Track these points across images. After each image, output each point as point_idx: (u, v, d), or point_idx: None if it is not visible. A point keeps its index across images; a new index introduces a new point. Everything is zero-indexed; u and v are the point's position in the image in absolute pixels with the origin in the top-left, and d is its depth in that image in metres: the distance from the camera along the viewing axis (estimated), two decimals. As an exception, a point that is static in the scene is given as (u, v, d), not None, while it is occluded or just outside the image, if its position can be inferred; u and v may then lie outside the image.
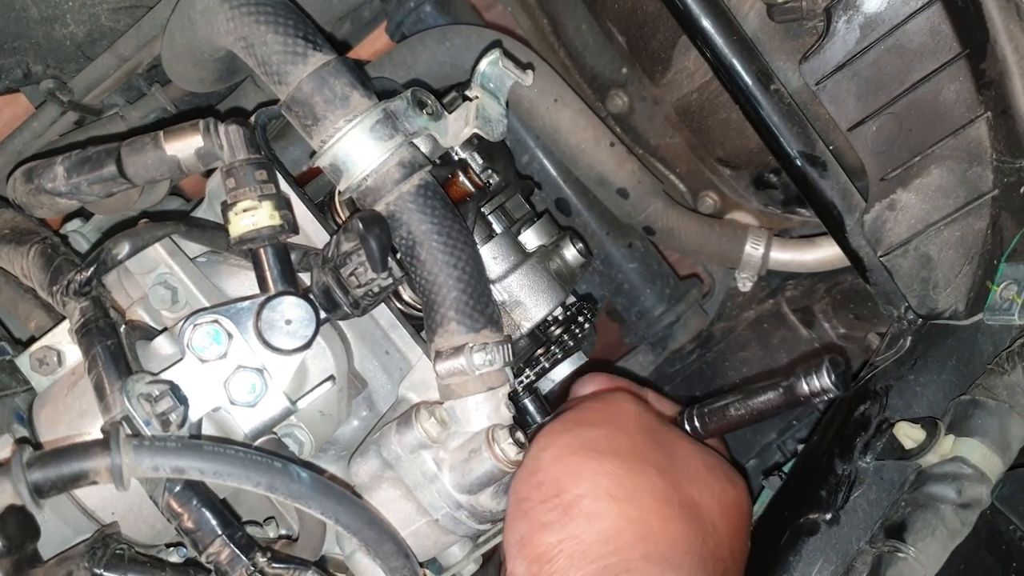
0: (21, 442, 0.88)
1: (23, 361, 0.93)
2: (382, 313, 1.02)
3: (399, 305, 1.06)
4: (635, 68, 1.42)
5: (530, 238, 1.18)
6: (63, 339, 0.93)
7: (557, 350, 1.13)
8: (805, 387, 0.86)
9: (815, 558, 0.92)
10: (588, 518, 0.84)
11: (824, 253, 1.37)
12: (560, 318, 1.18)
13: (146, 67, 1.18)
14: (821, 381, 0.85)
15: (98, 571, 0.81)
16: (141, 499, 0.88)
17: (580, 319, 1.16)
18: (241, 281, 0.99)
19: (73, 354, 0.93)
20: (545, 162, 1.47)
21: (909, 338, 1.07)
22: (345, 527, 0.78)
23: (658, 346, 1.56)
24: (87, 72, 1.16)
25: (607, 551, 0.82)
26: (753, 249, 1.40)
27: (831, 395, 0.85)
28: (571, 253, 1.15)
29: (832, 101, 1.04)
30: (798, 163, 1.07)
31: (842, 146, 1.08)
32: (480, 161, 1.13)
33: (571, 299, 1.21)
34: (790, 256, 1.40)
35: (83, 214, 1.17)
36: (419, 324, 1.06)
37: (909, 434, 0.93)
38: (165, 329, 0.96)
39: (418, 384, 1.00)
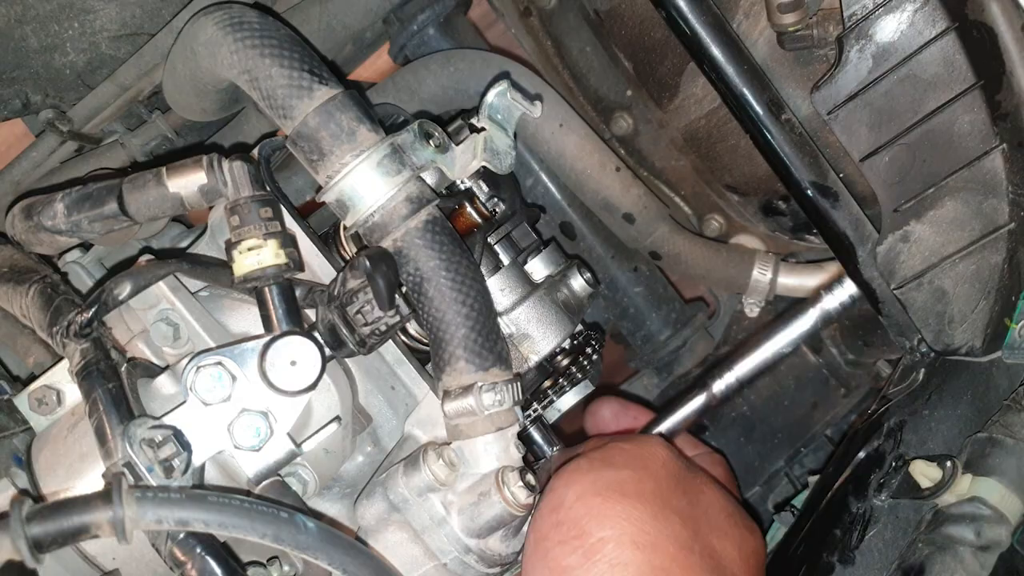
0: (21, 493, 0.86)
1: (22, 401, 0.91)
2: (388, 348, 1.00)
3: (404, 339, 1.04)
4: (641, 91, 1.41)
5: (537, 267, 1.16)
6: (63, 378, 0.91)
7: (565, 382, 1.12)
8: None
9: (830, 601, 0.91)
10: (611, 565, 0.82)
11: (832, 279, 1.36)
12: (567, 348, 1.16)
13: (147, 95, 1.16)
14: None
15: (100, 620, 0.79)
16: (143, 545, 0.86)
17: (588, 350, 1.14)
18: (244, 316, 0.98)
19: (73, 394, 0.91)
20: (550, 186, 1.45)
21: (922, 371, 1.05)
22: (352, 577, 0.76)
23: (664, 371, 1.55)
24: (87, 101, 1.14)
25: None
26: (760, 274, 1.39)
27: None
28: (579, 283, 1.13)
29: (844, 131, 1.03)
30: (809, 193, 1.05)
31: (853, 175, 1.07)
32: (486, 189, 1.11)
33: (577, 327, 1.19)
34: (798, 281, 1.39)
35: (83, 245, 1.15)
36: (425, 358, 1.05)
37: (925, 473, 0.91)
38: (167, 367, 0.94)
39: (424, 420, 0.98)
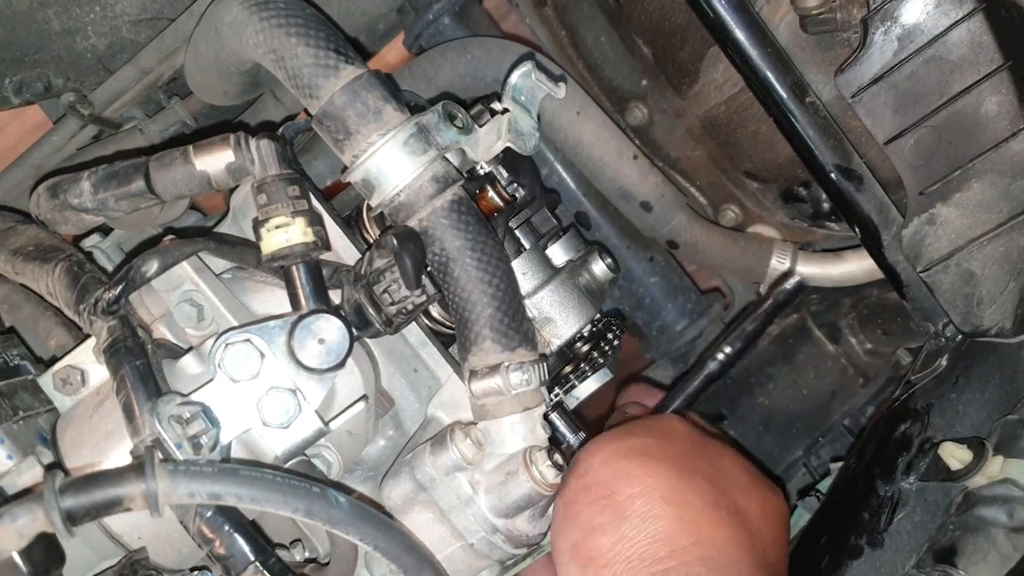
0: (51, 467, 0.85)
1: (46, 381, 0.91)
2: (411, 330, 1.00)
3: (427, 322, 1.03)
4: (657, 80, 1.40)
5: (557, 253, 1.15)
6: (86, 358, 0.91)
7: (587, 367, 1.11)
8: None
9: (860, 583, 0.90)
10: (642, 519, 0.83)
11: (851, 267, 1.35)
12: (586, 335, 1.16)
13: (166, 80, 1.16)
14: None
15: (127, 599, 0.78)
16: (168, 523, 0.85)
17: (609, 335, 1.14)
18: (267, 298, 0.97)
19: (97, 374, 0.91)
20: (564, 175, 1.45)
21: (946, 356, 1.05)
22: (384, 553, 0.76)
23: (679, 361, 1.54)
24: (107, 85, 1.14)
25: (664, 553, 0.81)
26: (779, 263, 1.38)
27: None
28: (600, 268, 1.13)
29: (869, 114, 1.02)
30: (833, 177, 1.05)
31: (876, 159, 1.06)
32: (506, 175, 1.11)
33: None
34: (816, 270, 1.38)
35: (102, 229, 1.14)
36: (448, 341, 1.04)
37: (955, 455, 0.90)
38: (191, 348, 0.93)
39: (448, 403, 0.98)
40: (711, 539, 0.82)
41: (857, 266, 1.35)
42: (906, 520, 0.92)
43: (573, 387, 1.11)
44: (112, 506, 0.68)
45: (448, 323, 1.05)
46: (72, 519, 0.67)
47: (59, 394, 0.91)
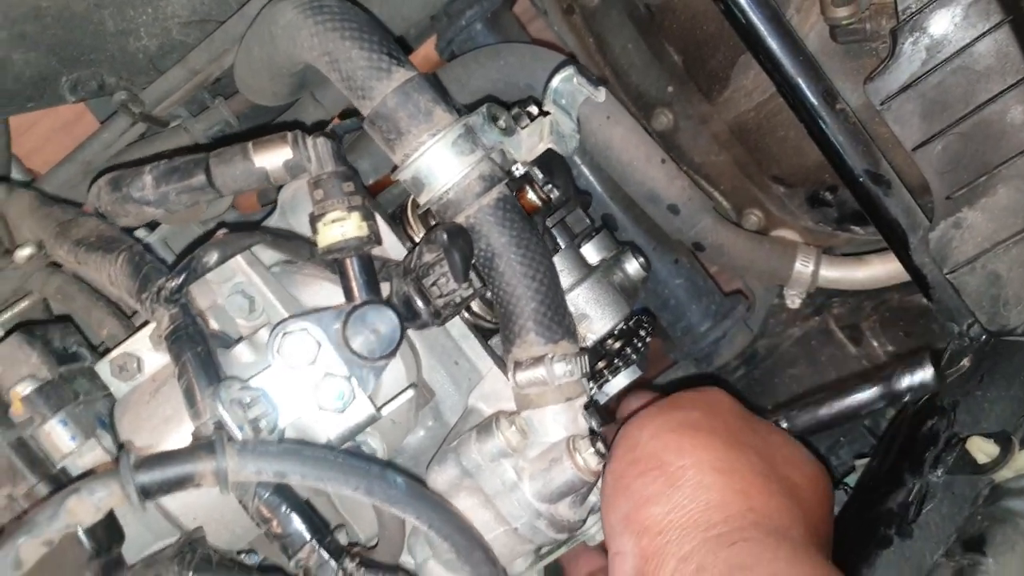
0: (122, 447, 0.88)
1: (103, 367, 0.94)
2: (453, 323, 1.03)
3: (468, 316, 1.07)
4: (684, 87, 1.44)
5: (590, 252, 1.19)
6: (142, 346, 0.94)
7: (620, 363, 1.14)
8: (905, 382, 0.87)
9: (889, 572, 0.93)
10: (694, 489, 0.84)
11: (874, 271, 1.38)
12: (617, 333, 1.19)
13: (212, 80, 1.19)
14: (923, 374, 0.86)
15: (187, 575, 0.81)
16: (223, 505, 0.89)
17: (641, 332, 1.17)
18: (316, 291, 1.00)
19: (152, 362, 0.94)
20: (591, 179, 1.48)
21: (970, 356, 1.08)
22: (438, 532, 0.79)
23: (703, 362, 1.57)
24: (157, 84, 1.17)
25: (718, 519, 0.82)
26: (803, 266, 1.41)
27: (928, 389, 0.86)
28: (633, 267, 1.16)
29: (897, 121, 1.06)
30: (862, 181, 1.08)
31: (902, 165, 1.10)
32: (540, 176, 1.14)
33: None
34: (840, 273, 1.41)
35: (148, 224, 1.18)
36: (487, 335, 1.08)
37: (983, 448, 0.93)
38: (241, 338, 0.96)
39: (489, 395, 1.01)
40: (763, 507, 0.83)
41: (880, 269, 1.38)
42: (934, 512, 0.95)
43: (606, 382, 1.14)
44: (184, 482, 0.71)
45: (488, 318, 1.08)
46: (146, 494, 0.70)
47: (116, 380, 0.94)
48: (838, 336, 1.48)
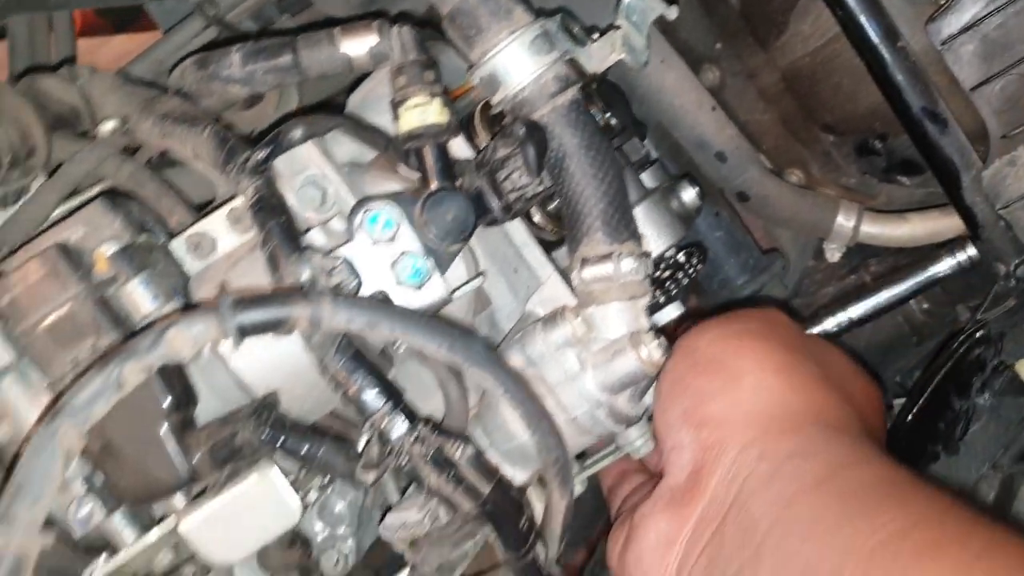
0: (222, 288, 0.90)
1: (178, 244, 0.96)
2: (515, 230, 1.05)
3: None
4: (734, 42, 1.46)
5: (646, 180, 1.21)
6: (217, 227, 0.96)
7: (672, 286, 1.17)
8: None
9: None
10: (754, 387, 0.86)
11: (914, 228, 1.41)
12: (667, 260, 1.21)
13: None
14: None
15: (263, 433, 0.84)
16: (296, 374, 0.91)
17: (694, 260, 1.19)
18: (384, 187, 1.03)
19: (226, 242, 0.96)
20: (639, 126, 1.50)
21: (1018, 293, 1.10)
22: (511, 396, 0.81)
23: (737, 316, 1.59)
24: (231, -11, 1.20)
25: (778, 413, 0.84)
26: (845, 220, 1.44)
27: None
28: (689, 195, 1.19)
29: (956, 61, 1.08)
30: (919, 119, 1.11)
31: (956, 111, 1.12)
32: (600, 104, 1.17)
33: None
34: (881, 230, 1.44)
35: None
36: (547, 248, 1.10)
37: (1032, 370, 0.96)
38: (309, 228, 0.99)
39: (547, 300, 1.03)
40: (822, 405, 0.86)
41: (920, 228, 1.41)
42: (981, 432, 0.98)
43: (659, 305, 1.17)
44: (278, 325, 0.74)
45: (549, 229, 1.10)
46: (242, 332, 0.73)
47: (190, 258, 0.96)
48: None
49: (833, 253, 1.47)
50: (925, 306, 1.47)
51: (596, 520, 1.63)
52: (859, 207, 1.44)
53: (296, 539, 1.14)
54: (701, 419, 0.87)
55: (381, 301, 0.79)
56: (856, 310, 1.08)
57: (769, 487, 0.80)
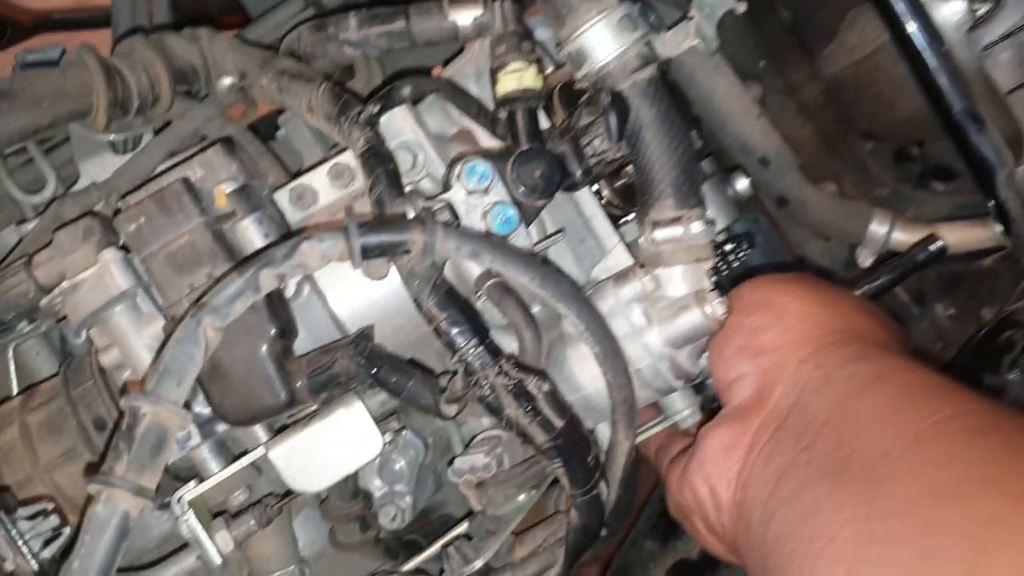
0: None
1: (281, 195, 1.05)
2: (585, 201, 1.13)
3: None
4: (779, 59, 1.56)
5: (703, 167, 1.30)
6: (319, 180, 1.04)
7: (724, 267, 1.25)
8: None
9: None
10: (801, 315, 0.94)
11: (945, 238, 1.49)
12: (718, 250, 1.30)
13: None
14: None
15: (361, 360, 0.91)
16: (389, 313, 1.00)
17: (743, 245, 1.28)
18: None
19: (326, 195, 1.04)
20: (687, 131, 1.59)
21: (1044, 288, 1.19)
22: (591, 333, 0.89)
23: (770, 318, 1.67)
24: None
25: (827, 332, 0.92)
26: (879, 227, 1.53)
27: None
28: (742, 184, 1.28)
29: (994, 66, 1.18)
30: (959, 118, 1.20)
31: (992, 115, 1.22)
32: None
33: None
34: (911, 237, 1.52)
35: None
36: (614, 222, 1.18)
37: (1060, 347, 1.04)
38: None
39: (612, 268, 1.11)
40: (866, 328, 0.94)
41: (949, 237, 1.49)
42: (1010, 406, 1.05)
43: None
44: (396, 247, 0.82)
45: (618, 204, 1.18)
46: (365, 252, 0.81)
47: (292, 208, 1.04)
48: (902, 297, 1.59)
49: (865, 259, 1.55)
50: (951, 312, 1.55)
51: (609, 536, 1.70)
52: (892, 215, 1.53)
53: (358, 492, 1.21)
54: (757, 349, 0.95)
55: (483, 234, 0.87)
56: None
57: (825, 390, 0.87)
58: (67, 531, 1.03)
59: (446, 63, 1.14)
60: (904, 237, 1.53)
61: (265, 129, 1.29)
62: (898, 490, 0.73)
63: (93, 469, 0.98)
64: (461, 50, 1.20)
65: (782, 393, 0.91)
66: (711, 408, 1.15)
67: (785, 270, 1.14)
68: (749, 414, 0.93)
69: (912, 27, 1.20)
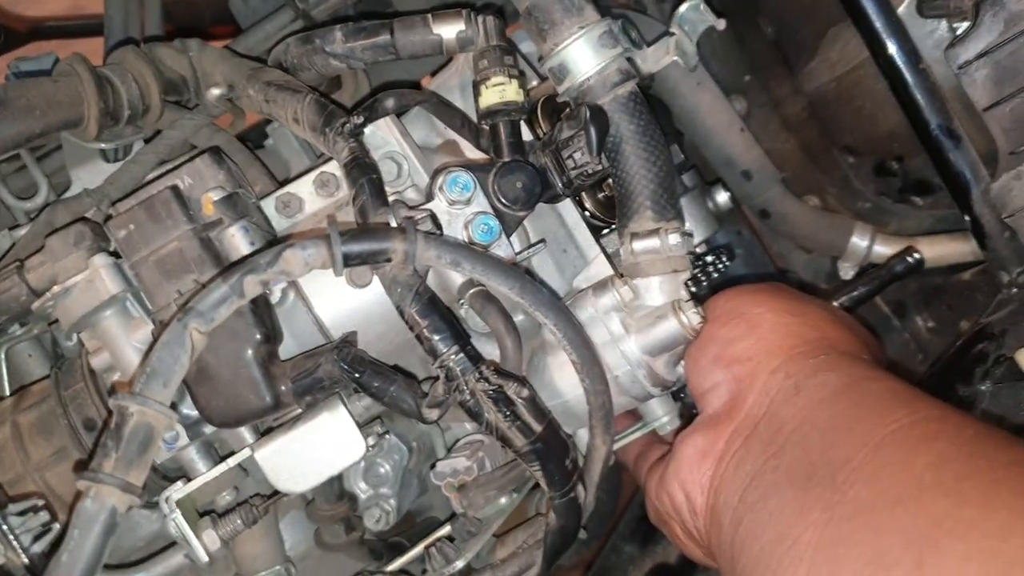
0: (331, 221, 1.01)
1: (268, 203, 1.07)
2: (568, 212, 1.15)
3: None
4: (763, 74, 1.59)
5: (684, 181, 1.32)
6: (304, 189, 1.07)
7: (703, 279, 1.27)
8: None
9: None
10: (772, 325, 0.97)
11: (925, 252, 1.52)
12: (698, 261, 1.32)
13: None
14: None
15: (344, 365, 0.94)
16: (372, 320, 1.02)
17: (723, 257, 1.30)
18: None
19: (312, 204, 1.06)
20: (670, 145, 1.62)
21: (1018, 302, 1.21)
22: (568, 340, 0.91)
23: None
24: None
25: (799, 343, 0.94)
26: (860, 240, 1.55)
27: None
28: (723, 198, 1.30)
29: (971, 84, 1.20)
30: (936, 134, 1.22)
31: (968, 131, 1.24)
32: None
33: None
34: (892, 250, 1.55)
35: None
36: (596, 233, 1.20)
37: (1028, 358, 1.06)
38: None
39: (593, 278, 1.13)
40: (836, 337, 0.96)
41: (928, 251, 1.52)
42: (981, 417, 1.07)
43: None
44: (379, 255, 0.84)
45: (599, 214, 1.21)
46: (347, 260, 0.83)
47: (279, 216, 1.06)
48: (883, 309, 1.61)
49: (847, 271, 1.58)
50: (931, 324, 1.58)
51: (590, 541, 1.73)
52: (873, 228, 1.56)
53: (343, 494, 1.24)
54: (731, 359, 0.97)
55: (466, 244, 0.89)
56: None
57: (795, 399, 0.90)
58: (56, 527, 1.05)
59: (433, 75, 1.17)
60: (885, 250, 1.56)
61: (253, 138, 1.32)
62: (857, 495, 0.76)
63: (82, 466, 1.00)
64: (449, 61, 1.23)
65: (754, 402, 0.93)
66: (690, 415, 1.17)
67: (765, 281, 1.17)
68: (722, 422, 0.96)
69: (891, 45, 1.22)
